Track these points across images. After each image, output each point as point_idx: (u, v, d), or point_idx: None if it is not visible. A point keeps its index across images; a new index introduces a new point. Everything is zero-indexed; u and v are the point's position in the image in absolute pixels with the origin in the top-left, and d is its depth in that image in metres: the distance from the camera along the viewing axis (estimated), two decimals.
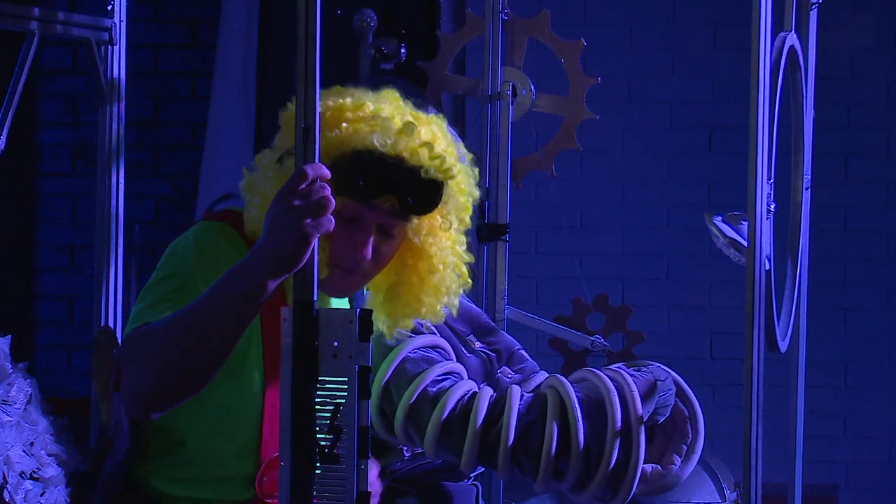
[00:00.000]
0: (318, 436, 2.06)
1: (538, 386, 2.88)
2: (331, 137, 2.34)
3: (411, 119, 2.41)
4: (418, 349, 2.83)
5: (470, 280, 2.56)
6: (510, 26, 3.71)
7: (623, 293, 5.56)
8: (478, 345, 3.00)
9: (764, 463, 2.89)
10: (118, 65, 3.04)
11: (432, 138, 2.41)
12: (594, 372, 2.78)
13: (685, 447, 2.86)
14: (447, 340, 2.93)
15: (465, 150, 2.52)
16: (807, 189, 3.14)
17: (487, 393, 2.78)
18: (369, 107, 2.40)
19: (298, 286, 2.11)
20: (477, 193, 2.53)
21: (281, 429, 2.08)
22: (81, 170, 6.07)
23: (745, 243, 2.86)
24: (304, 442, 2.06)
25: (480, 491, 3.01)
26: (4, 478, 2.95)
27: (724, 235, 3.01)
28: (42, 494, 3.05)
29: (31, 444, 3.08)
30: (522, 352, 3.07)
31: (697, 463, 2.95)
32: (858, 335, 5.69)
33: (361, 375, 2.07)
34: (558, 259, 5.49)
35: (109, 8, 3.04)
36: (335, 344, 2.07)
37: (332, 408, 2.07)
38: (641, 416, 2.70)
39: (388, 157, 2.37)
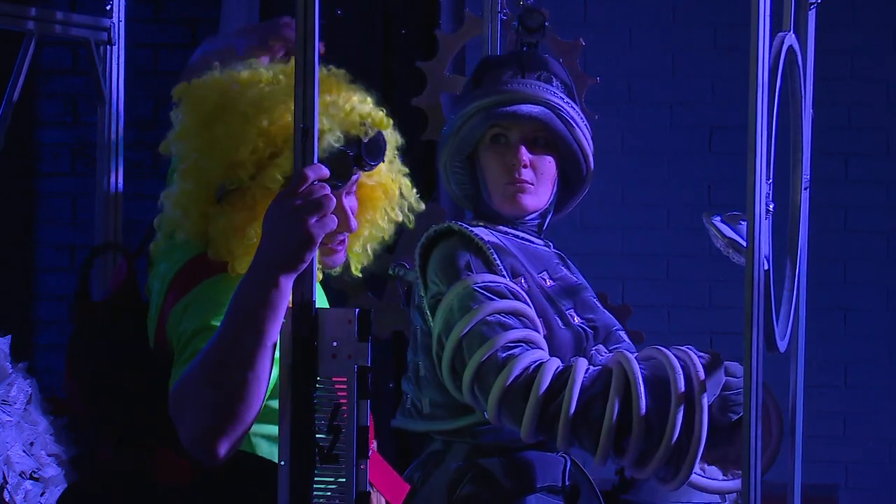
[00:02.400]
0: (317, 436, 2.06)
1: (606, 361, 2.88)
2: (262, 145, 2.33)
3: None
4: (497, 314, 2.81)
5: (421, 204, 2.60)
6: (509, 26, 3.70)
7: (623, 293, 5.55)
8: (577, 320, 2.99)
9: None
10: (117, 65, 3.04)
11: (347, 100, 2.40)
12: (661, 350, 2.80)
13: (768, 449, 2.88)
14: (542, 310, 2.92)
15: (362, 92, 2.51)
16: (805, 189, 3.13)
17: (554, 364, 2.75)
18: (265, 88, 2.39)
19: (297, 286, 2.11)
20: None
21: (280, 429, 2.08)
22: (81, 170, 6.07)
23: (743, 243, 2.86)
24: (304, 442, 2.06)
25: (569, 464, 2.97)
26: (4, 478, 2.95)
27: (723, 235, 3.01)
28: (42, 494, 3.05)
29: (31, 444, 3.08)
30: (621, 332, 3.05)
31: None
32: (858, 335, 5.69)
33: (361, 375, 2.07)
34: None
35: (108, 8, 3.04)
36: (334, 344, 2.08)
37: (331, 408, 2.07)
38: (705, 396, 2.71)
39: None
